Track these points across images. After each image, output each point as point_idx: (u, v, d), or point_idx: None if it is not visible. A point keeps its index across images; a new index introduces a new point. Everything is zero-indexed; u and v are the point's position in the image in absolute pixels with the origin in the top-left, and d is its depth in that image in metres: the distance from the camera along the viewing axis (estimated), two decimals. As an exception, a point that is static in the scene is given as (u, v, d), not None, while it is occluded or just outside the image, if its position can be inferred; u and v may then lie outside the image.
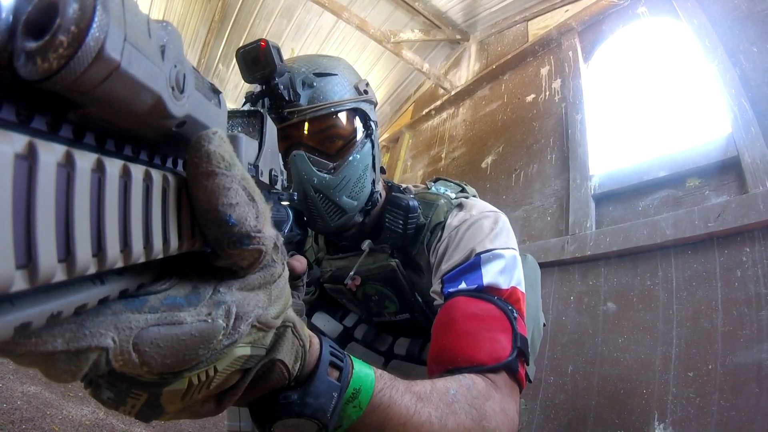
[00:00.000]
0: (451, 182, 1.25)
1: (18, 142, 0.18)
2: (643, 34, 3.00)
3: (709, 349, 1.84)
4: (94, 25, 0.19)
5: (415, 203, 1.09)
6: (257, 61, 0.93)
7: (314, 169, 1.02)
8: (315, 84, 1.01)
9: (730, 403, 1.69)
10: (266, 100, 0.98)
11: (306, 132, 1.04)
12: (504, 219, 1.08)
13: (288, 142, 1.03)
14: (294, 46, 4.55)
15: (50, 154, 0.19)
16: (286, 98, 0.98)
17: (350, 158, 1.05)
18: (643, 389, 1.98)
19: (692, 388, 1.82)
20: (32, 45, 0.19)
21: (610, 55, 3.19)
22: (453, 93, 4.52)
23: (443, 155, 4.37)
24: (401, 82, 5.37)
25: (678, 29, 2.72)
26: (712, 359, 1.81)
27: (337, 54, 4.47)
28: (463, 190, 1.21)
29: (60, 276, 0.20)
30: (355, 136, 1.08)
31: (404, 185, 1.22)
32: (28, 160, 0.18)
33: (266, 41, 0.92)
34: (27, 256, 0.18)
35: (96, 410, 2.27)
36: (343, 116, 1.06)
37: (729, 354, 1.77)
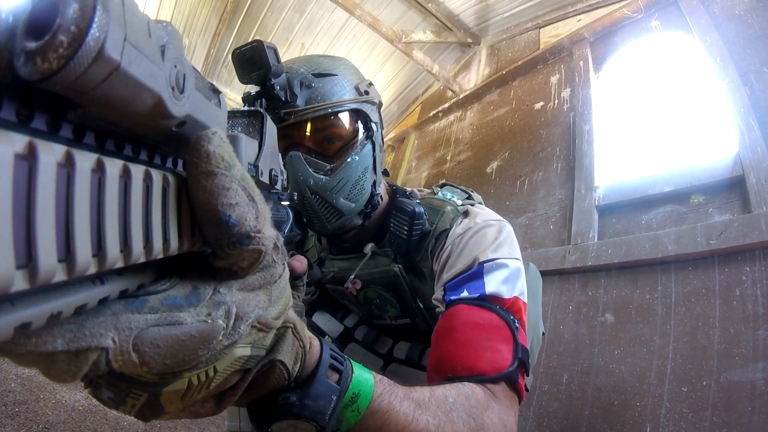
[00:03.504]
0: (458, 188, 1.23)
1: (18, 142, 0.18)
2: (655, 48, 2.98)
3: (704, 365, 1.83)
4: (94, 25, 0.19)
5: (421, 209, 1.08)
6: (252, 62, 0.93)
7: (311, 170, 1.01)
8: (313, 84, 1.01)
9: (723, 420, 1.68)
10: (263, 100, 0.98)
11: (304, 133, 1.03)
12: (508, 228, 1.07)
13: (286, 142, 1.03)
14: (305, 41, 4.54)
15: (50, 154, 0.19)
16: (283, 99, 0.97)
17: (348, 160, 1.04)
18: (636, 402, 1.98)
19: (686, 403, 1.82)
20: (32, 45, 0.19)
21: (621, 66, 3.18)
22: (461, 96, 4.51)
23: (448, 158, 4.36)
24: (410, 82, 5.35)
25: (690, 45, 2.70)
26: (706, 375, 1.81)
27: (348, 51, 4.45)
28: (469, 197, 1.20)
29: (60, 276, 0.20)
30: (355, 138, 1.07)
31: (410, 189, 1.21)
32: (28, 160, 0.18)
33: (261, 42, 0.91)
34: (27, 256, 0.18)
35: (89, 396, 2.27)
36: (341, 117, 1.04)
37: (724, 371, 1.76)
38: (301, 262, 0.63)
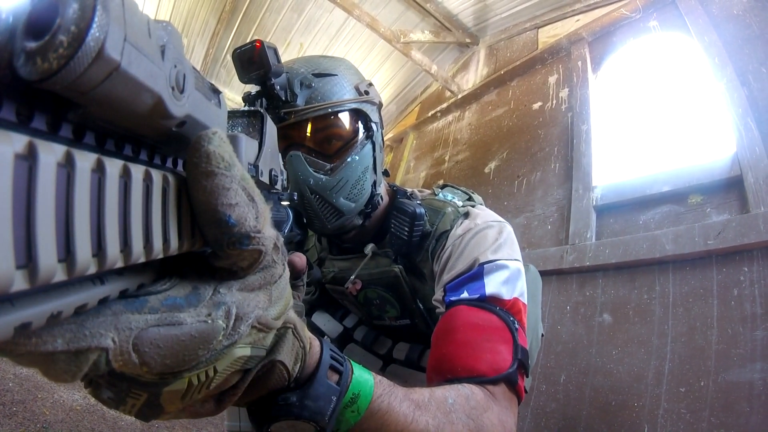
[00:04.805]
0: (459, 189, 1.23)
1: (18, 142, 0.18)
2: (653, 48, 2.98)
3: (702, 365, 1.84)
4: (94, 25, 0.19)
5: (422, 210, 1.08)
6: (252, 61, 0.93)
7: (311, 169, 1.01)
8: (313, 84, 1.01)
9: (720, 420, 1.69)
10: (263, 100, 0.98)
11: (304, 132, 1.03)
12: (509, 229, 1.06)
13: (286, 142, 1.03)
14: (303, 41, 4.54)
15: (50, 154, 0.19)
16: (283, 99, 0.97)
17: (348, 159, 1.04)
18: (634, 402, 1.98)
19: (683, 403, 1.82)
20: (32, 45, 0.19)
21: (619, 67, 3.18)
22: (460, 96, 4.51)
23: (447, 158, 4.37)
24: (408, 82, 5.36)
25: (688, 45, 2.71)
26: (704, 376, 1.81)
27: (346, 51, 4.45)
28: (470, 198, 1.20)
29: (60, 276, 0.20)
30: (355, 138, 1.07)
31: (410, 190, 1.21)
32: (28, 160, 0.18)
33: (261, 42, 0.91)
34: (27, 256, 0.18)
35: (87, 396, 2.27)
36: (341, 117, 1.05)
37: (722, 372, 1.77)
38: (300, 258, 0.63)
